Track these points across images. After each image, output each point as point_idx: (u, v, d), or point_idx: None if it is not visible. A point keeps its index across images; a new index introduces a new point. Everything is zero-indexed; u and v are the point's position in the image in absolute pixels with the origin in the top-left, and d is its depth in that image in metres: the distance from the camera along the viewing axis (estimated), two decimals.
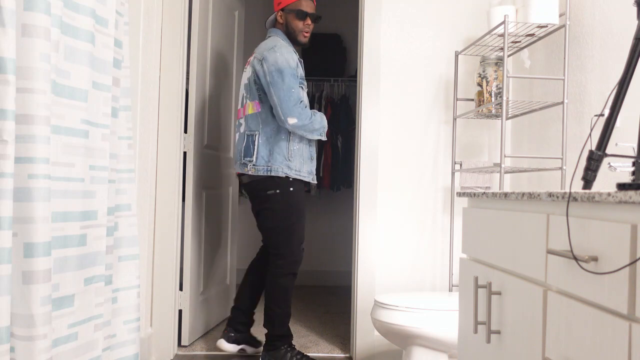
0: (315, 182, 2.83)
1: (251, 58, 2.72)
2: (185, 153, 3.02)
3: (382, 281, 2.87)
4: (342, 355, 2.98)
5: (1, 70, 1.47)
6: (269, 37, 2.76)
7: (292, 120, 2.56)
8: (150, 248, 2.75)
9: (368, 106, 2.87)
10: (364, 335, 2.84)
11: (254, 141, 2.64)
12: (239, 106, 2.77)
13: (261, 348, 2.88)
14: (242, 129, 2.72)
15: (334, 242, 5.15)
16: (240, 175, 2.75)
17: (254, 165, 2.63)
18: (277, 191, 2.64)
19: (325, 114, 4.74)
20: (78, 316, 1.79)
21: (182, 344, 3.01)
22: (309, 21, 2.73)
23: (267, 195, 2.65)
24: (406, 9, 2.90)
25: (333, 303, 4.34)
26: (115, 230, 2.06)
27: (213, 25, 3.23)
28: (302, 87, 2.65)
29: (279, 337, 2.69)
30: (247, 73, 2.73)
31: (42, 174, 1.56)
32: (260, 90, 2.65)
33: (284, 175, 2.63)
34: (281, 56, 2.59)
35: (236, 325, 2.82)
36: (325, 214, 5.15)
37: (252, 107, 2.67)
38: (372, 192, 2.87)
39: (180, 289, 3.00)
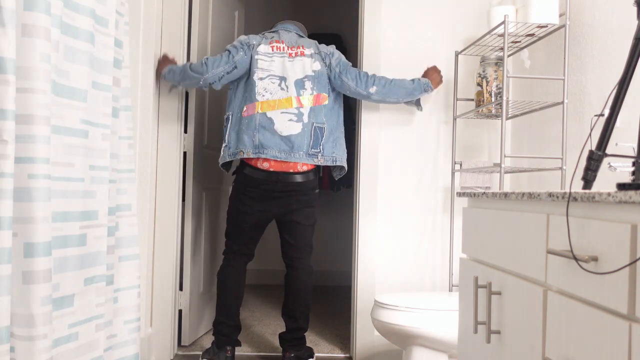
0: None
1: (300, 49, 2.68)
2: (185, 153, 3.02)
3: (382, 281, 2.87)
4: (342, 355, 2.98)
5: (1, 70, 1.47)
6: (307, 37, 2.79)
7: (372, 89, 2.68)
8: (150, 248, 2.75)
9: (368, 106, 2.87)
10: (364, 335, 2.84)
11: (323, 133, 2.65)
12: (294, 94, 2.61)
13: None
14: (305, 119, 2.61)
15: (334, 242, 5.15)
16: (292, 174, 2.61)
17: (322, 155, 2.64)
18: (318, 190, 2.77)
19: None
20: (78, 316, 1.79)
21: (182, 344, 3.01)
22: None
23: (314, 194, 2.73)
24: (406, 9, 2.90)
25: (333, 303, 4.34)
26: (116, 230, 2.06)
27: (213, 25, 3.23)
28: None
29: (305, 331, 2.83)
30: (311, 65, 2.66)
31: (42, 174, 1.56)
32: (329, 83, 2.70)
33: (345, 165, 2.74)
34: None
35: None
36: (325, 214, 5.15)
37: (320, 99, 2.65)
38: (372, 192, 2.87)
39: (180, 289, 3.00)
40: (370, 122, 2.87)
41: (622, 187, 1.05)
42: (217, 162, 3.39)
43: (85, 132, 1.81)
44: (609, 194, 0.92)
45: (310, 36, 4.96)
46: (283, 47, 2.68)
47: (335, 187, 4.83)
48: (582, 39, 2.24)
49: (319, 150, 2.63)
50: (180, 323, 3.01)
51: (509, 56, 2.77)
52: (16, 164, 1.54)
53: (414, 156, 2.89)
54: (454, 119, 2.80)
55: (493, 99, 2.53)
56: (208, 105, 3.22)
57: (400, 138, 2.89)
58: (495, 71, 2.54)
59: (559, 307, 1.07)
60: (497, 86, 2.53)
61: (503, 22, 2.29)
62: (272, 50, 2.66)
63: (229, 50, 2.66)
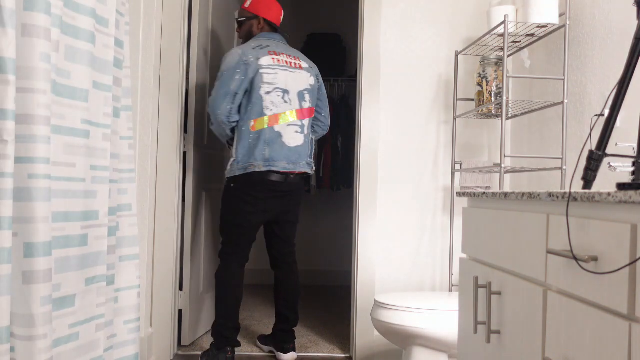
0: None
1: (298, 62, 2.76)
2: (185, 153, 3.02)
3: (382, 281, 2.87)
4: (342, 355, 2.98)
5: (1, 70, 1.47)
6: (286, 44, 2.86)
7: (327, 128, 2.96)
8: (150, 248, 2.75)
9: (368, 106, 2.87)
10: (364, 335, 2.84)
11: (314, 144, 2.87)
12: (297, 106, 2.71)
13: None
14: (305, 131, 2.75)
15: (334, 242, 5.15)
16: (291, 174, 2.70)
17: (313, 165, 2.85)
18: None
19: None
20: (79, 316, 1.79)
21: (182, 344, 3.01)
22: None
23: (303, 194, 2.92)
24: (406, 9, 2.90)
25: (333, 303, 4.34)
26: (117, 230, 2.06)
27: (213, 25, 3.24)
28: None
29: None
30: (308, 79, 2.78)
31: (42, 173, 1.56)
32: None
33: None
34: None
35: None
36: (325, 214, 5.15)
37: (312, 112, 2.81)
38: (372, 192, 2.87)
39: (180, 289, 3.00)
40: (370, 122, 2.87)
41: (622, 187, 1.05)
42: (217, 161, 3.39)
43: (86, 132, 1.81)
44: (609, 194, 0.92)
45: (310, 36, 4.98)
46: (282, 59, 2.70)
47: (335, 186, 4.83)
48: (582, 39, 2.24)
49: (312, 160, 2.83)
50: (180, 323, 3.01)
51: (509, 56, 2.77)
52: (16, 164, 1.54)
53: (414, 156, 2.89)
54: (454, 119, 2.80)
55: (493, 99, 2.54)
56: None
57: (400, 138, 2.89)
58: (495, 71, 2.54)
59: (559, 307, 1.07)
60: (497, 86, 2.53)
61: (503, 22, 2.29)
62: (274, 62, 2.67)
63: (227, 85, 2.62)
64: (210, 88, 3.25)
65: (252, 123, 2.63)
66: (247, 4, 2.84)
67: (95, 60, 1.87)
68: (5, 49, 1.47)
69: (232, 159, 2.68)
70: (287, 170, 2.67)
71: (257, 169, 2.62)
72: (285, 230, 2.84)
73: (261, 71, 2.63)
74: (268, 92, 2.64)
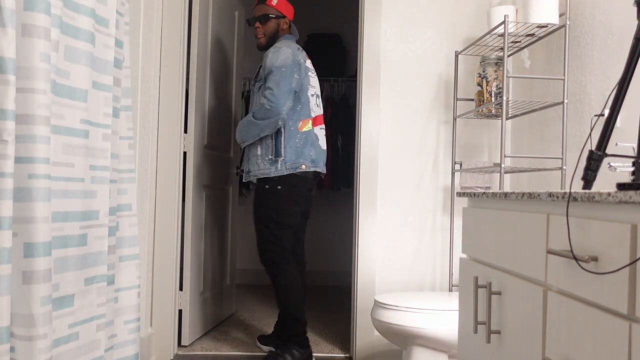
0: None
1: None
2: (185, 153, 3.02)
3: (382, 281, 2.87)
4: (342, 355, 2.98)
5: (1, 70, 1.47)
6: None
7: None
8: (150, 248, 2.75)
9: (368, 106, 2.87)
10: (364, 335, 2.84)
11: None
12: (321, 112, 2.83)
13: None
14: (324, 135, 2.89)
15: (334, 242, 5.15)
16: (320, 175, 2.83)
17: None
18: None
19: (325, 114, 4.76)
20: (79, 316, 1.79)
21: (182, 344, 3.01)
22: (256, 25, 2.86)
23: None
24: (406, 9, 2.90)
25: (333, 303, 4.34)
26: (117, 230, 2.06)
27: (213, 25, 3.23)
28: None
29: None
30: (319, 85, 2.88)
31: (42, 174, 1.56)
32: None
33: None
34: None
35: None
36: (325, 214, 5.15)
37: None
38: (372, 192, 2.87)
39: (180, 289, 3.00)
40: (370, 121, 2.87)
41: (622, 187, 1.05)
42: (217, 161, 3.39)
43: (85, 132, 1.81)
44: (609, 194, 0.92)
45: (310, 36, 4.98)
46: (310, 63, 2.81)
47: (335, 186, 4.83)
48: (582, 39, 2.24)
49: None
50: (180, 323, 3.01)
51: (509, 56, 2.77)
52: (16, 164, 1.54)
53: (414, 156, 2.89)
54: (454, 119, 2.80)
55: (493, 99, 2.54)
56: (208, 105, 3.22)
57: (400, 138, 2.89)
58: (495, 71, 2.54)
59: (559, 307, 1.07)
60: (497, 86, 2.53)
61: (503, 22, 2.29)
62: (310, 66, 2.78)
63: (290, 82, 2.61)
64: (211, 88, 3.25)
65: (300, 123, 2.69)
66: (273, 2, 2.81)
67: (95, 60, 1.87)
68: (5, 49, 1.47)
69: (280, 158, 2.66)
70: (322, 171, 2.79)
71: (306, 169, 2.70)
72: (302, 229, 2.91)
73: (309, 73, 2.73)
74: (312, 95, 2.74)
